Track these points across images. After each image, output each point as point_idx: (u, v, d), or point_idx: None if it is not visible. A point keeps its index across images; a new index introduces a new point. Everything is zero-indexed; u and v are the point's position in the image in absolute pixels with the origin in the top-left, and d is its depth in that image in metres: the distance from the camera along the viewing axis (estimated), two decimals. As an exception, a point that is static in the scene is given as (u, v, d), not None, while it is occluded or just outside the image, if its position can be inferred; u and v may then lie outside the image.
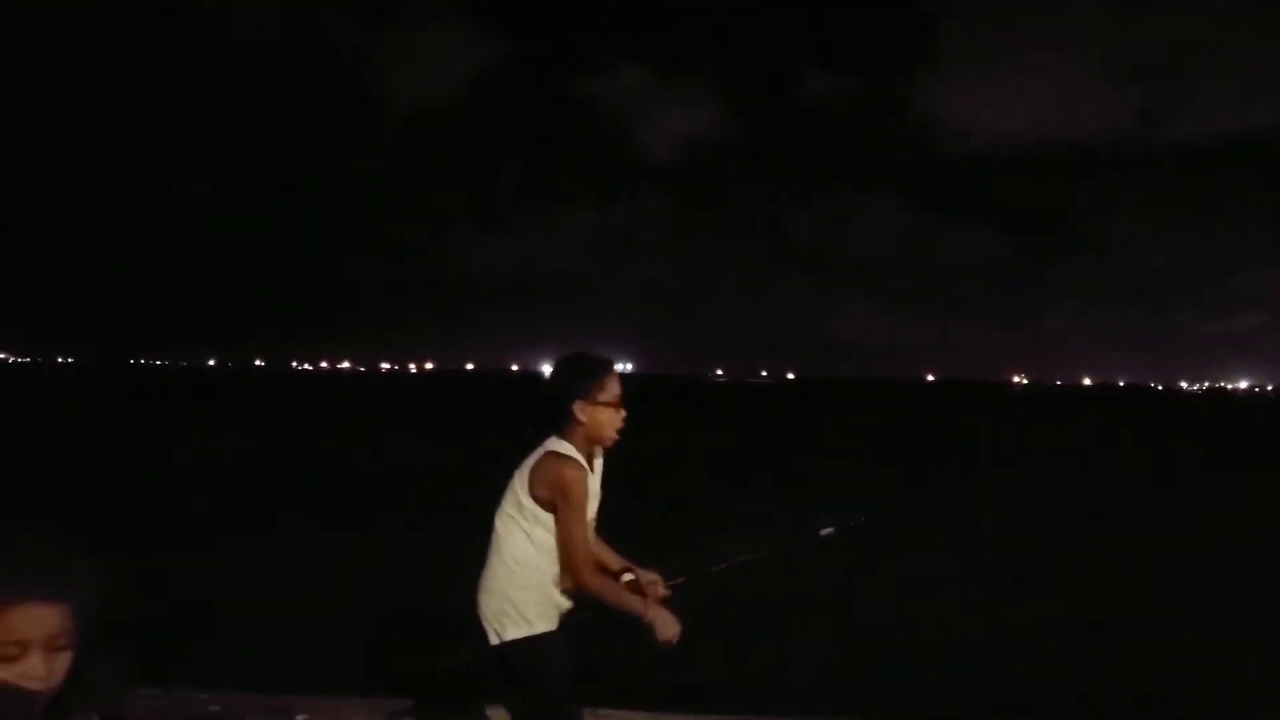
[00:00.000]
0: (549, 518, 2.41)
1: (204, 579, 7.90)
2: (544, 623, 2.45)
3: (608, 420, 2.48)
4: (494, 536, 2.49)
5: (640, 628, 2.43)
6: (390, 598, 7.26)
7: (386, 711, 3.78)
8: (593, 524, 2.58)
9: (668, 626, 2.43)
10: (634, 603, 2.43)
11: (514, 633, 2.41)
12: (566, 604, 2.50)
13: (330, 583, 7.81)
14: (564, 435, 2.47)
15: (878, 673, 5.88)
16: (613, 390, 2.49)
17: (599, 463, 2.58)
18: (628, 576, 2.57)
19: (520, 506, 2.44)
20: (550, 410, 2.49)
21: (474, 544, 2.56)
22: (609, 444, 2.55)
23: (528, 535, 2.43)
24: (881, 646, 6.47)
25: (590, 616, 2.52)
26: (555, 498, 2.39)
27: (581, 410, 2.45)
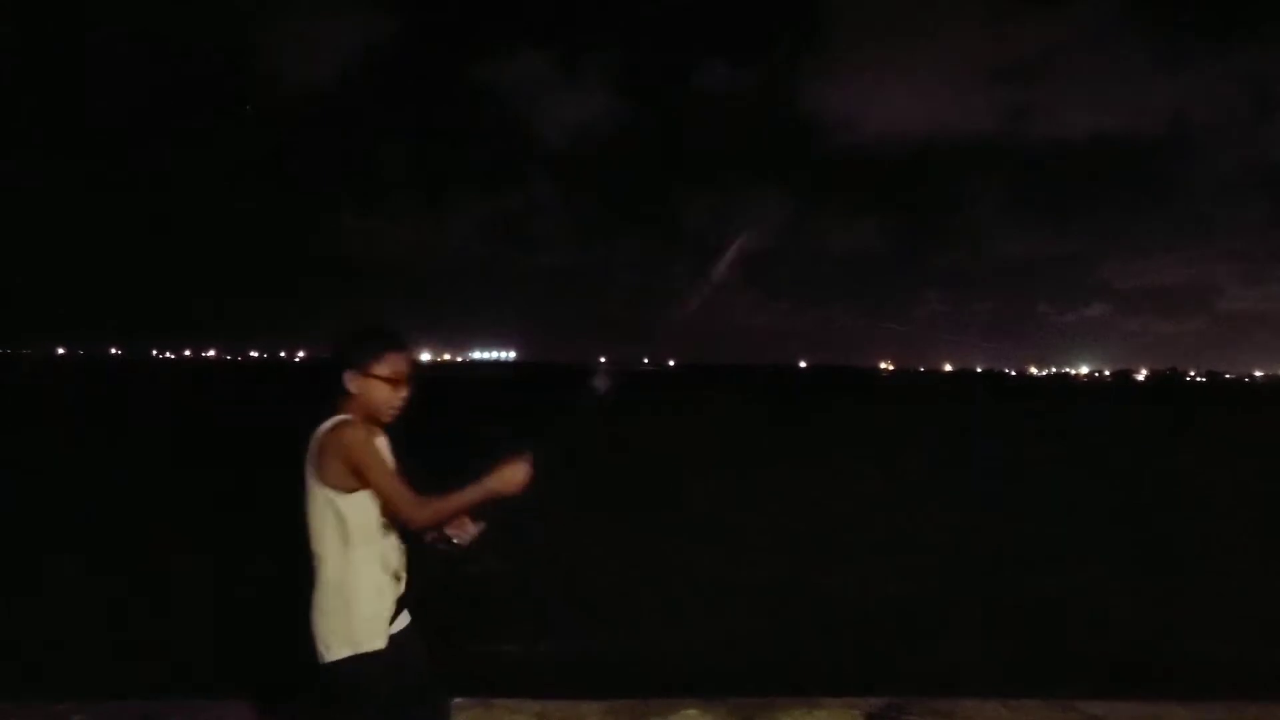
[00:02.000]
0: (356, 495, 2.25)
1: (49, 583, 7.44)
2: (372, 639, 2.28)
3: (383, 397, 2.34)
4: (310, 546, 2.32)
5: (500, 504, 2.32)
6: (249, 598, 7.03)
7: (259, 714, 3.70)
8: None
9: (511, 476, 2.33)
10: (472, 490, 2.30)
11: (338, 653, 2.26)
12: (390, 602, 2.34)
13: (185, 584, 7.49)
14: (339, 407, 2.33)
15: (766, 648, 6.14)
16: (394, 366, 2.34)
17: (383, 440, 2.41)
18: (431, 534, 2.44)
19: (322, 502, 2.26)
20: (328, 380, 2.35)
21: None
22: (386, 420, 2.39)
23: (342, 535, 2.27)
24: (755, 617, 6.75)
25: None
26: (348, 463, 2.22)
27: (351, 380, 2.32)
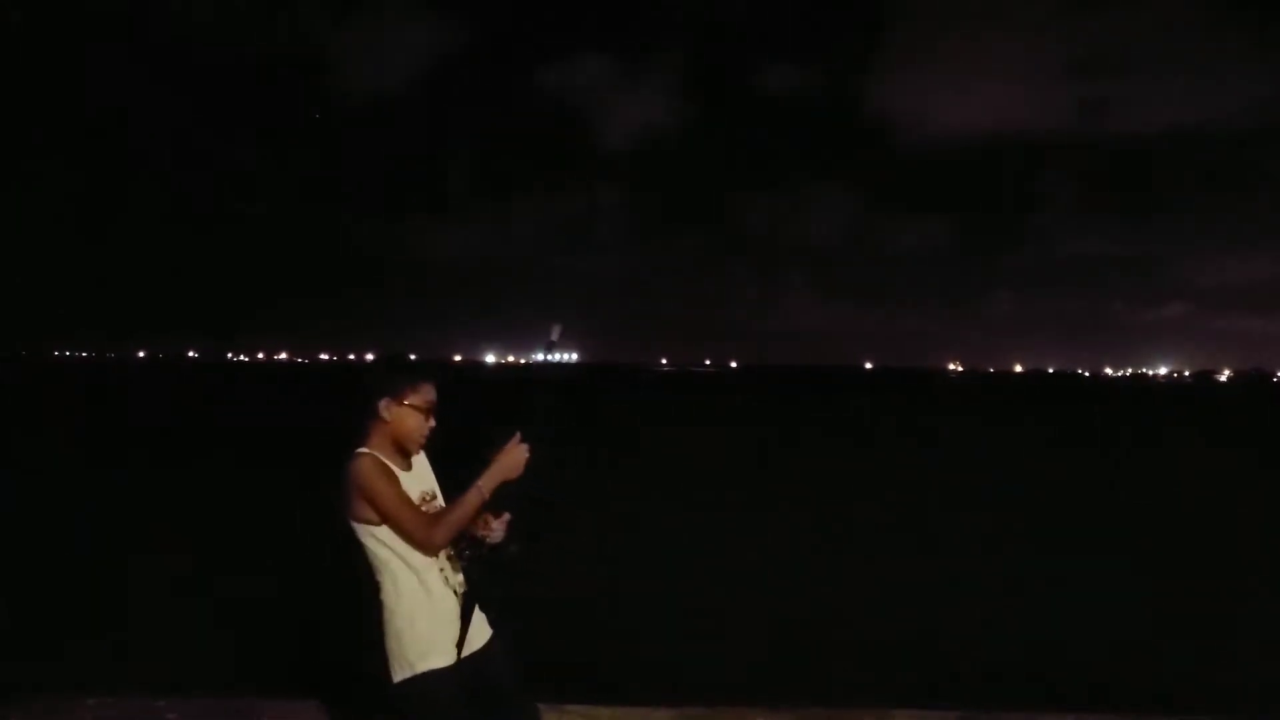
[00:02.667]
0: (381, 529, 2.29)
1: (151, 580, 7.79)
2: (429, 659, 2.32)
3: (414, 425, 2.39)
4: (356, 572, 2.39)
5: (505, 499, 2.37)
6: (344, 598, 7.25)
7: (349, 715, 3.83)
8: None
9: (512, 460, 2.38)
10: (471, 499, 2.33)
11: (398, 675, 2.32)
12: (453, 619, 2.36)
13: (282, 582, 7.76)
14: (365, 436, 2.37)
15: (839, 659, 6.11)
16: (426, 396, 2.40)
17: (418, 460, 2.48)
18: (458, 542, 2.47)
19: (360, 535, 2.33)
20: (358, 407, 2.39)
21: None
22: (413, 450, 2.44)
23: (377, 566, 2.33)
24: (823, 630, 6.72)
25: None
26: (363, 496, 2.27)
27: (387, 408, 2.36)
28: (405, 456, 2.43)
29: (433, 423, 2.44)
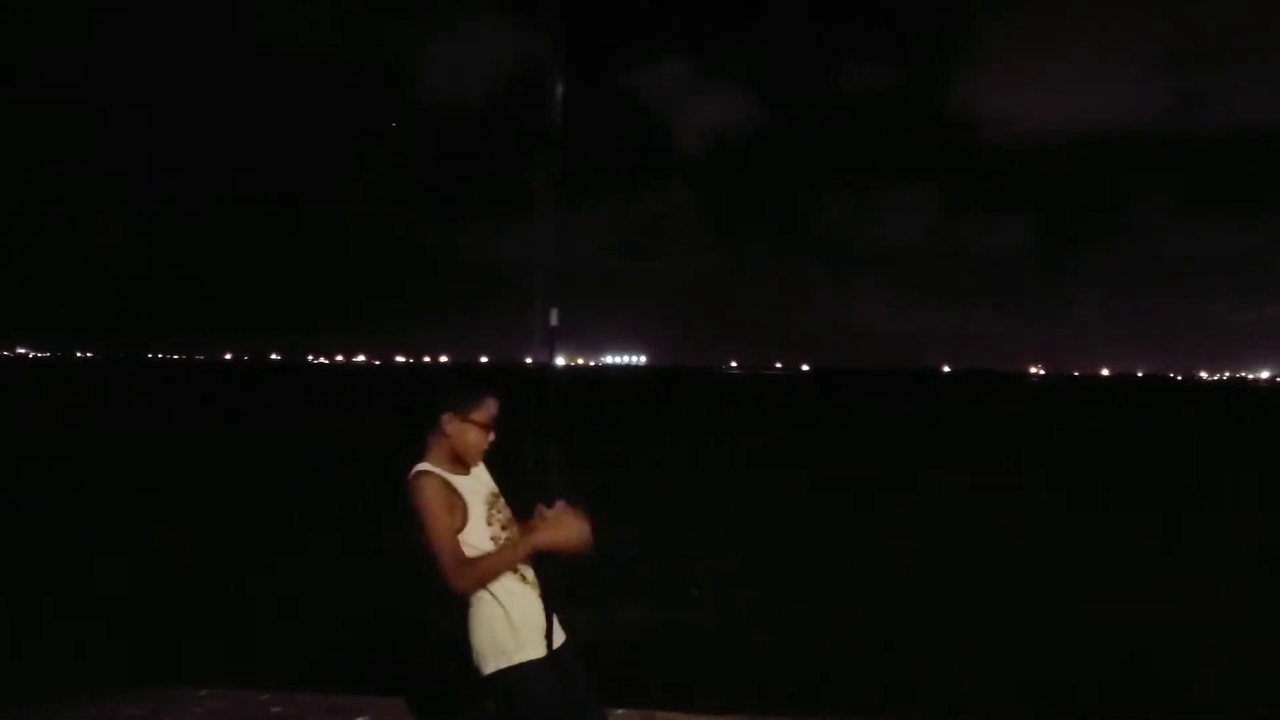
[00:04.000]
0: (462, 532, 2.42)
1: (258, 578, 8.12)
2: (526, 650, 2.42)
3: (475, 440, 2.49)
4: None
5: (551, 565, 2.44)
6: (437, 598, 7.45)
7: (448, 711, 3.96)
8: (504, 519, 2.54)
9: (566, 531, 2.44)
10: (507, 551, 2.41)
11: (492, 665, 2.40)
12: (539, 613, 2.47)
13: (381, 581, 7.98)
14: (427, 450, 2.49)
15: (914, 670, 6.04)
16: (489, 412, 2.51)
17: (479, 471, 2.57)
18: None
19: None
20: (423, 419, 2.49)
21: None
22: (473, 462, 2.54)
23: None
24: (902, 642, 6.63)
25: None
26: (419, 514, 2.36)
27: (449, 423, 2.46)
28: (469, 466, 2.53)
29: (493, 437, 2.54)
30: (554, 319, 2.56)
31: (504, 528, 2.52)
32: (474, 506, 2.46)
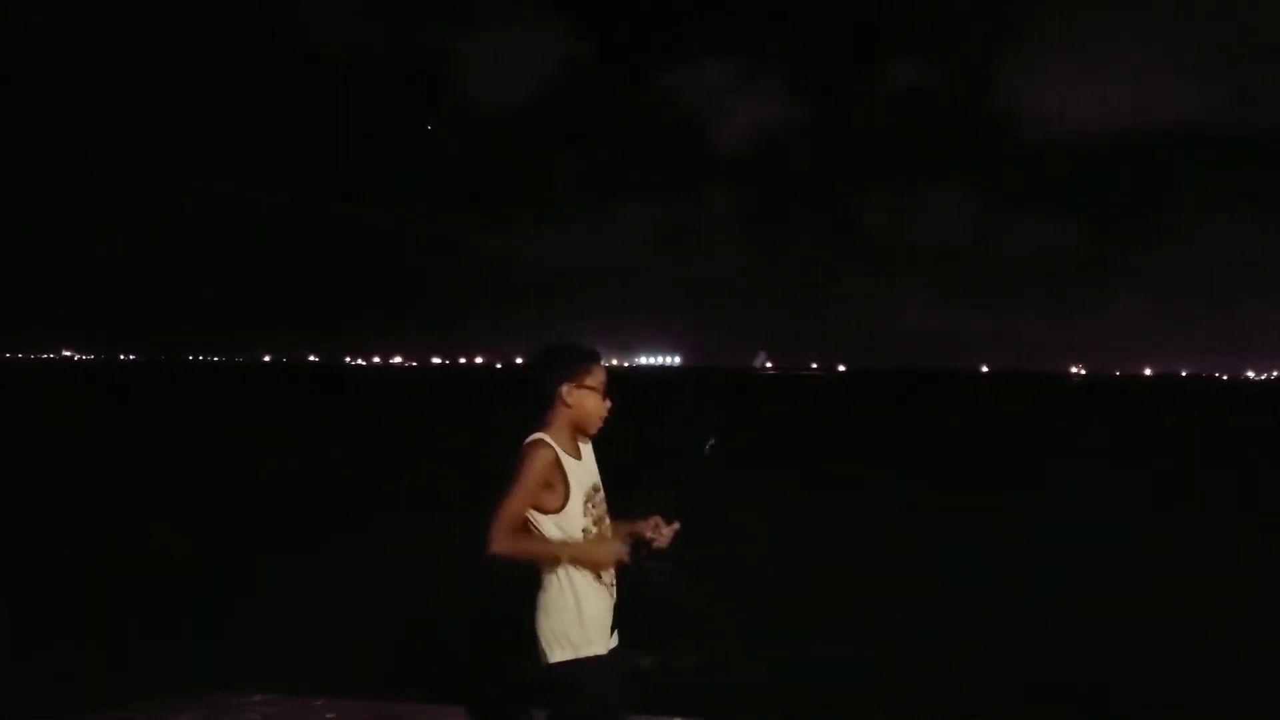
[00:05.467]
0: (544, 518, 2.38)
1: (308, 582, 8.22)
2: (593, 644, 2.40)
3: (594, 407, 2.47)
4: None
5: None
6: (482, 602, 7.47)
7: (488, 716, 3.96)
8: (598, 513, 2.50)
9: (595, 554, 2.39)
10: (548, 549, 2.37)
11: (558, 656, 2.38)
12: (609, 611, 2.45)
13: (429, 586, 8.02)
14: (545, 422, 2.45)
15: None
16: (599, 377, 2.49)
17: (587, 449, 2.54)
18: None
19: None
20: (533, 396, 2.47)
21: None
22: (593, 431, 2.52)
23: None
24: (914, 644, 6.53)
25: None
26: (520, 471, 2.34)
27: (569, 393, 2.44)
28: (578, 443, 2.50)
29: (609, 403, 2.52)
30: (760, 360, 2.52)
31: (595, 522, 2.48)
32: (575, 492, 2.42)
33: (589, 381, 2.47)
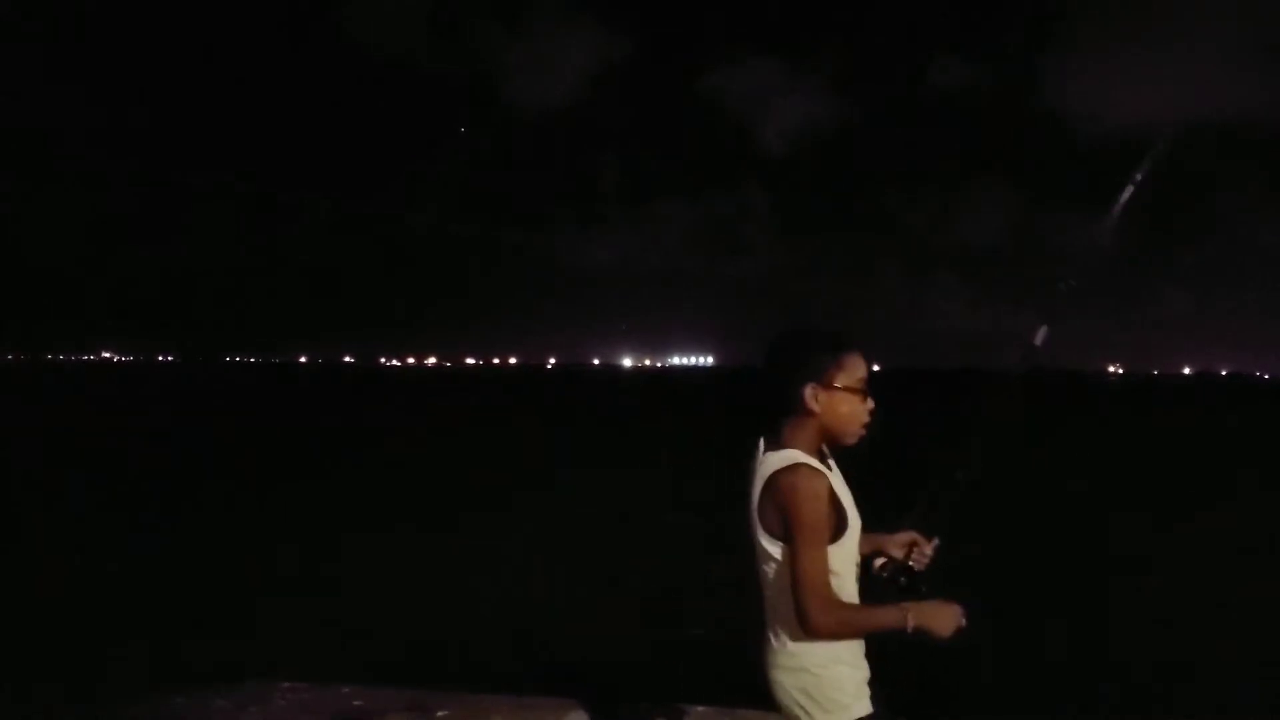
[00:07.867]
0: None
1: (338, 574, 8.24)
2: (864, 701, 1.85)
3: (850, 411, 1.85)
4: (758, 586, 1.90)
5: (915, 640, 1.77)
6: (515, 595, 7.45)
7: (529, 710, 3.89)
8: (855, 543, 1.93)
9: (940, 619, 1.77)
10: (887, 617, 1.79)
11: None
12: (864, 659, 1.90)
13: (456, 580, 8.03)
14: (788, 433, 1.86)
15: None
16: (856, 373, 1.87)
17: (837, 470, 1.93)
18: (879, 561, 1.98)
19: (764, 553, 1.86)
20: (769, 398, 1.89)
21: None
22: (850, 441, 1.90)
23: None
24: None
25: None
26: (785, 511, 1.77)
27: (814, 397, 1.83)
28: (827, 456, 1.92)
29: (871, 403, 1.90)
30: (1041, 338, 2.07)
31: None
32: (853, 522, 1.87)
33: (842, 379, 1.85)
